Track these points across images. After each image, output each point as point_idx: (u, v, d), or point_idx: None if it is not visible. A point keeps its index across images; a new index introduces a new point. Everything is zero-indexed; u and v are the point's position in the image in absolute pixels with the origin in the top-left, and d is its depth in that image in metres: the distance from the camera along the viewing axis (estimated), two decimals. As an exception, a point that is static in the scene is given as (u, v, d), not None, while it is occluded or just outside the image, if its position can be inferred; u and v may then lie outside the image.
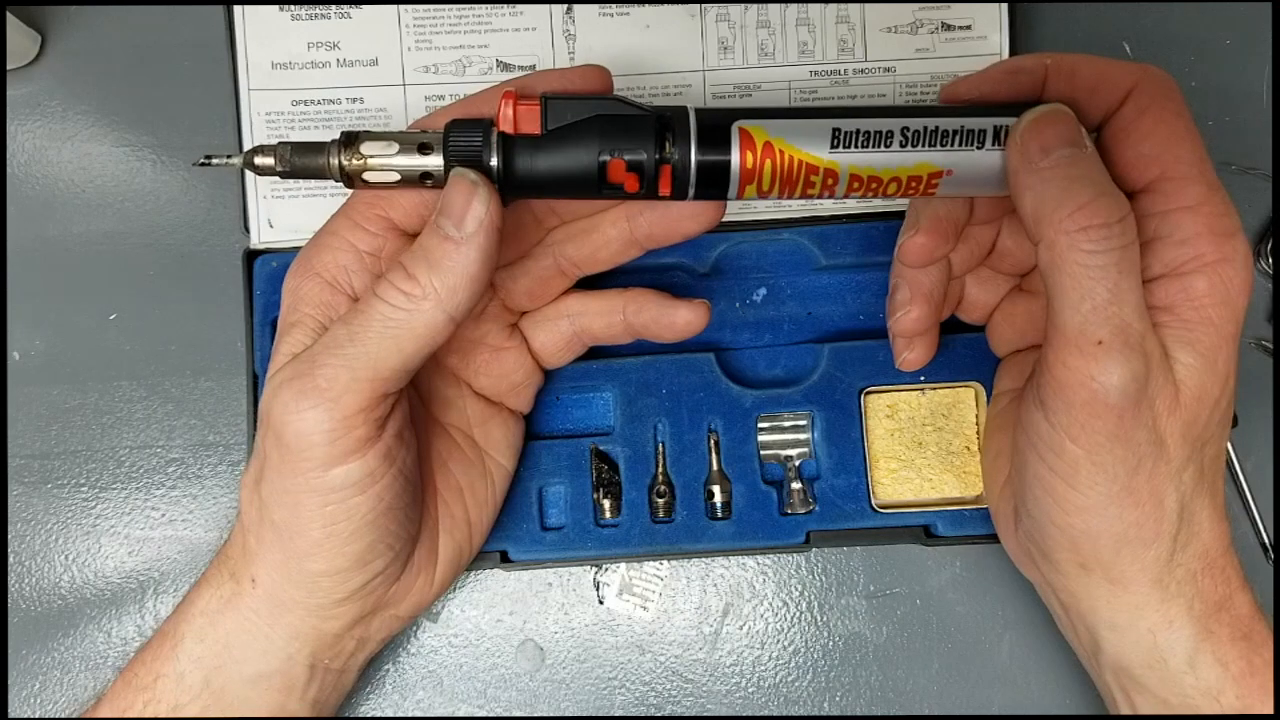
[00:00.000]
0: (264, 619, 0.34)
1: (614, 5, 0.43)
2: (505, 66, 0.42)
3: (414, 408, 0.35)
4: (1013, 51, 0.43)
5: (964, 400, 0.42)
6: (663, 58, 0.43)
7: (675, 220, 0.34)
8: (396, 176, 0.31)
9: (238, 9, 0.42)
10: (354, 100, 0.42)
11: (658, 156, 0.31)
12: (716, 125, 0.31)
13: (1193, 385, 0.30)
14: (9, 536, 0.43)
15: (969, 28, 0.42)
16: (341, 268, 0.33)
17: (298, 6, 0.42)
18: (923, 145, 0.31)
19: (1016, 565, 0.38)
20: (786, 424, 0.42)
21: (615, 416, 0.42)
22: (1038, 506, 0.32)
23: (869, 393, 0.42)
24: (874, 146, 0.31)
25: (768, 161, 0.31)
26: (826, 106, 0.32)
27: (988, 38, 0.42)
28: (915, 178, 0.31)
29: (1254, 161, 0.45)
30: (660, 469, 0.41)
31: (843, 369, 0.42)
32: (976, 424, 0.42)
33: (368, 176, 0.31)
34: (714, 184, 0.31)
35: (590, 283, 0.39)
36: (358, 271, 0.33)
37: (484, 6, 0.42)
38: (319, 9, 0.42)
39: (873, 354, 0.42)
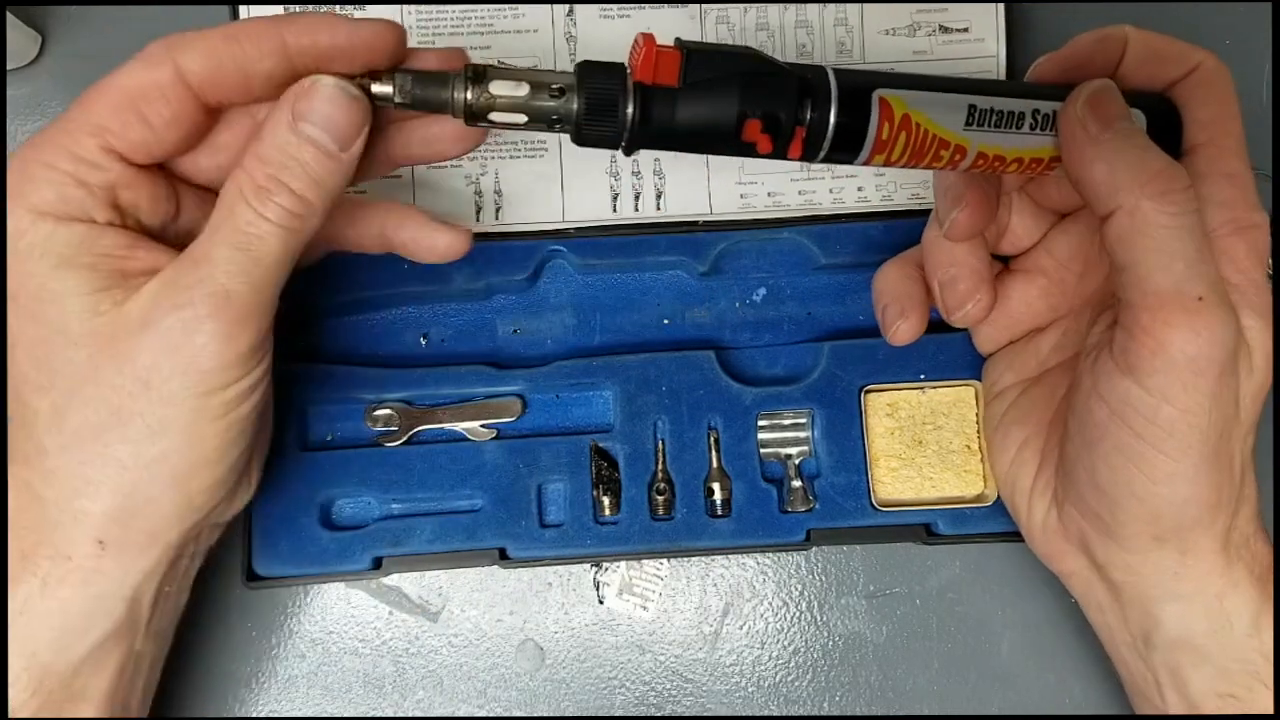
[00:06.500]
0: (111, 578, 0.34)
1: (614, 6, 0.46)
2: (506, 67, 0.45)
3: None
4: (1010, 53, 0.46)
5: (964, 399, 0.45)
6: (663, 59, 0.46)
7: (434, 142, 0.37)
8: (524, 118, 0.32)
9: (242, 10, 0.45)
10: (357, 101, 0.45)
11: (795, 119, 0.32)
12: (857, 91, 0.32)
13: (1261, 346, 0.33)
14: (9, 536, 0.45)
15: (966, 30, 0.46)
16: (66, 200, 0.32)
17: (300, 8, 0.45)
18: (1051, 130, 0.33)
19: (1047, 560, 0.40)
20: (786, 422, 0.44)
21: (615, 414, 0.44)
22: (1115, 481, 0.34)
23: (869, 391, 0.44)
24: (1006, 127, 0.33)
25: (903, 134, 0.32)
26: (960, 78, 0.34)
27: (985, 40, 0.46)
28: (1036, 160, 0.34)
29: (1254, 161, 0.47)
30: (660, 466, 0.43)
31: (843, 367, 0.44)
32: (977, 422, 0.45)
33: (493, 116, 0.32)
34: (846, 150, 0.33)
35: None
36: (95, 206, 0.33)
37: (485, 8, 0.45)
38: (322, 9, 0.45)
39: (873, 352, 0.44)
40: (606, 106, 0.31)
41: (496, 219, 0.45)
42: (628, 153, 0.32)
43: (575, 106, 0.31)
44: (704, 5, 0.46)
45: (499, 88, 0.31)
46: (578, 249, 0.45)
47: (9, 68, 0.47)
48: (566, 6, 0.45)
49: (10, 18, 0.45)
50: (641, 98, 0.31)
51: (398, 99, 0.32)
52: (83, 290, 0.32)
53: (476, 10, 0.45)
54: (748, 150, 0.32)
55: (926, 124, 0.32)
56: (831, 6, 0.46)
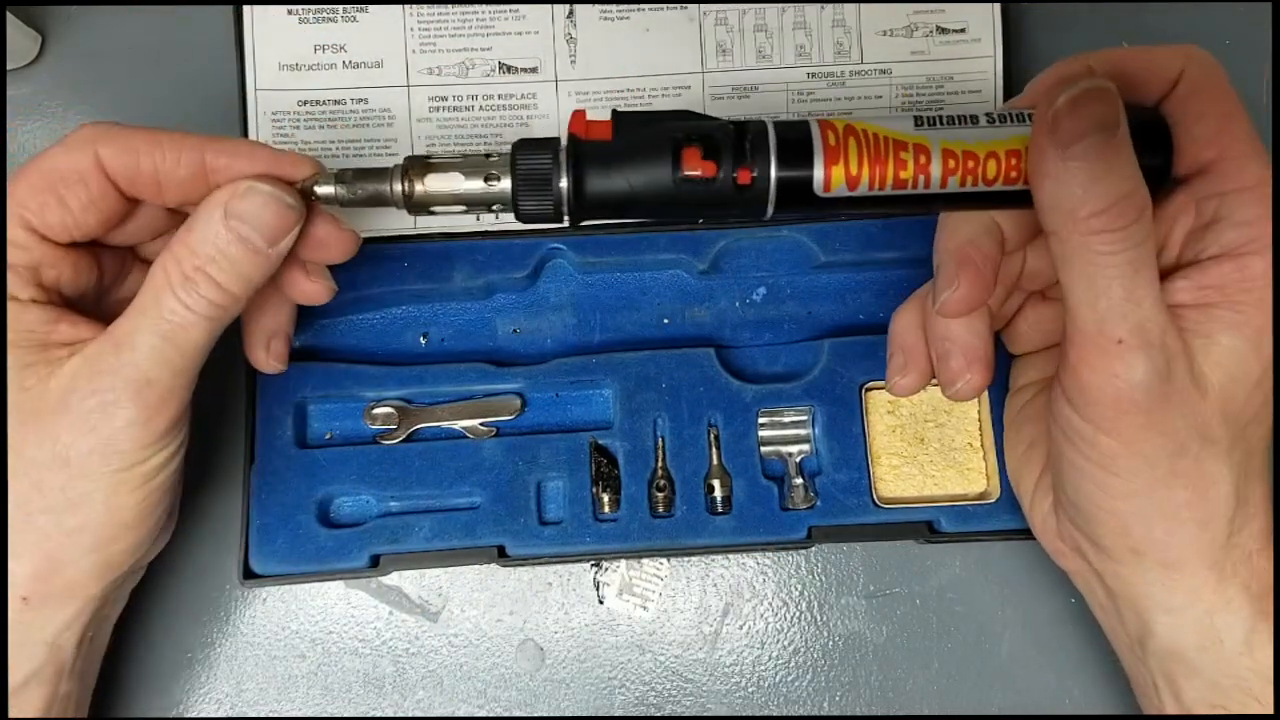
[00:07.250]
0: (32, 628, 0.36)
1: (614, 8, 0.46)
2: (507, 69, 0.46)
3: None
4: (1006, 54, 0.46)
5: (964, 397, 0.45)
6: (662, 60, 0.46)
7: (318, 246, 0.37)
8: (463, 207, 0.33)
9: (246, 11, 0.45)
10: (359, 101, 0.45)
11: (736, 148, 0.31)
12: (793, 121, 0.32)
13: (1230, 366, 0.32)
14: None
15: (963, 30, 0.46)
16: None
17: (305, 8, 0.45)
18: (1011, 122, 0.32)
19: (1053, 557, 0.40)
20: (787, 419, 0.45)
21: (614, 411, 0.44)
22: (1079, 493, 0.34)
23: (869, 388, 0.45)
24: (960, 125, 0.32)
25: (851, 139, 0.31)
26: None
27: (981, 40, 0.46)
28: (1014, 152, 0.31)
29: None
30: (660, 463, 0.44)
31: (843, 364, 0.45)
32: (978, 420, 0.45)
33: (434, 208, 0.33)
34: (797, 180, 0.31)
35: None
36: (19, 285, 0.34)
37: (487, 9, 0.46)
38: (326, 10, 0.45)
39: (873, 349, 0.44)
40: (539, 179, 0.32)
41: (496, 218, 0.46)
42: (572, 224, 0.33)
43: (509, 185, 0.32)
44: (703, 6, 0.46)
45: (434, 182, 0.33)
46: (577, 248, 0.45)
47: (9, 68, 0.48)
48: (567, 8, 0.46)
49: (10, 18, 0.46)
50: (575, 161, 0.32)
51: (342, 195, 0.34)
52: (8, 367, 0.34)
53: (477, 11, 0.46)
54: (695, 187, 0.31)
55: (874, 129, 0.31)
56: (829, 7, 0.46)
